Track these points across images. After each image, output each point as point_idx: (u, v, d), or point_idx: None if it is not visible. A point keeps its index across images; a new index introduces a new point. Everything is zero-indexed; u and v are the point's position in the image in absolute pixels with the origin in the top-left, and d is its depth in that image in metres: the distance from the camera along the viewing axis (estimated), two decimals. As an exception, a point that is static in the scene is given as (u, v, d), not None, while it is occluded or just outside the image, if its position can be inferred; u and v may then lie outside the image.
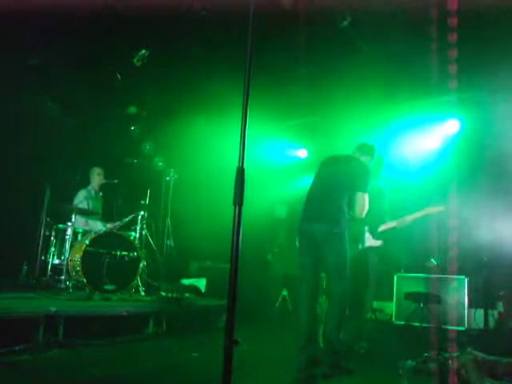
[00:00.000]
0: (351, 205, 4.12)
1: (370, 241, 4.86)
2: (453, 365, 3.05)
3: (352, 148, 4.61)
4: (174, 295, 6.05)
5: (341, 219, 4.01)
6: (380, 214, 4.99)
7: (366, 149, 4.56)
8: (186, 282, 7.31)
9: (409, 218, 4.94)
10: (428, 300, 6.26)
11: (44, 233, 6.26)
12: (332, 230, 3.95)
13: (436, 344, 3.96)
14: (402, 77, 6.30)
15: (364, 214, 4.13)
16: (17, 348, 3.82)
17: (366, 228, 4.91)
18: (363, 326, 4.93)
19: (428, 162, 7.17)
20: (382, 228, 5.00)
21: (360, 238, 4.86)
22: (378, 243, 4.90)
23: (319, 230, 3.98)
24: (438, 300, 6.24)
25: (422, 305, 6.25)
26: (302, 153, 9.28)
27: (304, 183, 9.05)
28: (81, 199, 6.69)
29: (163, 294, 6.17)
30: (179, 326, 5.34)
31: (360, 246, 4.83)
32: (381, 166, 5.09)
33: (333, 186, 4.16)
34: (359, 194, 4.11)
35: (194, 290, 6.97)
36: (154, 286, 6.60)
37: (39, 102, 7.04)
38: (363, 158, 4.44)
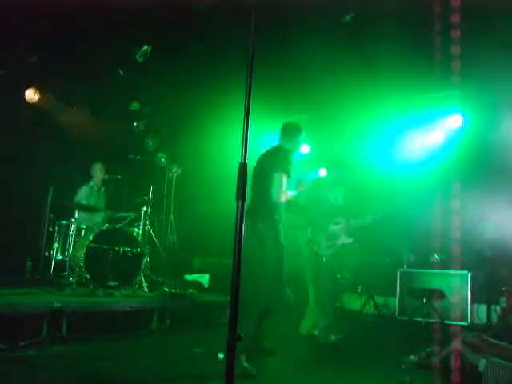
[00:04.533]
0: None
1: (343, 239, 5.23)
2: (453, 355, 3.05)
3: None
4: (178, 291, 6.06)
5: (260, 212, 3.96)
6: (329, 209, 5.28)
7: (287, 128, 4.41)
8: (189, 277, 7.32)
9: (372, 218, 5.30)
10: (431, 295, 6.26)
11: (47, 229, 6.29)
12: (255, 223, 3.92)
13: (439, 339, 3.96)
14: (405, 72, 6.27)
15: (281, 198, 3.98)
16: (21, 343, 3.84)
17: (339, 226, 5.10)
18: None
19: (431, 157, 7.15)
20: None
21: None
22: (349, 241, 5.27)
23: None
24: (441, 295, 6.24)
25: (425, 300, 6.25)
26: (305, 148, 9.25)
27: (307, 178, 9.05)
28: (82, 195, 6.72)
29: (166, 289, 6.18)
30: (182, 321, 5.36)
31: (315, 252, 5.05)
32: (345, 170, 5.40)
33: (254, 181, 4.11)
34: (275, 175, 3.95)
35: (197, 285, 6.99)
36: (157, 281, 6.62)
37: (41, 99, 7.04)
38: (287, 139, 4.33)
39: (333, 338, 4.93)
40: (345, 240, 5.25)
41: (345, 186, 5.51)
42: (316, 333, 5.06)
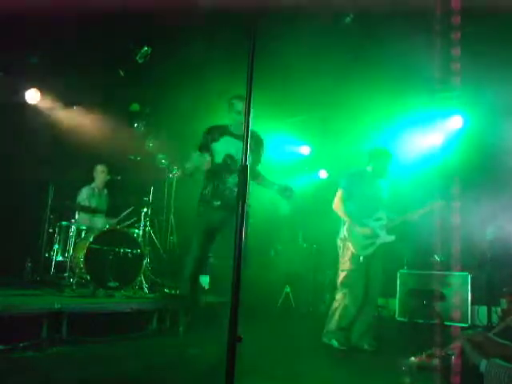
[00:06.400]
0: None
1: (383, 237, 4.85)
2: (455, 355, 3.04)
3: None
4: (178, 292, 6.05)
5: None
6: (370, 203, 4.93)
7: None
8: (189, 278, 7.30)
9: (418, 213, 4.90)
10: (431, 297, 6.25)
11: (48, 230, 6.28)
12: None
13: (439, 341, 3.95)
14: (405, 73, 6.26)
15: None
16: (21, 345, 3.83)
17: (380, 223, 4.86)
18: (371, 324, 4.92)
19: (431, 159, 7.14)
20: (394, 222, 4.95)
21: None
22: (390, 239, 4.88)
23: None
24: (441, 297, 6.23)
25: (425, 301, 6.24)
26: (305, 150, 9.26)
27: (307, 180, 9.06)
28: (84, 197, 6.70)
29: (167, 290, 6.17)
30: (182, 322, 5.34)
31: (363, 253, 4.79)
32: (388, 161, 5.02)
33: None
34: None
35: (197, 286, 6.97)
36: (157, 282, 6.61)
37: (42, 99, 7.03)
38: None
39: (334, 343, 4.69)
40: (385, 238, 4.82)
41: (387, 177, 5.07)
42: (335, 342, 4.70)
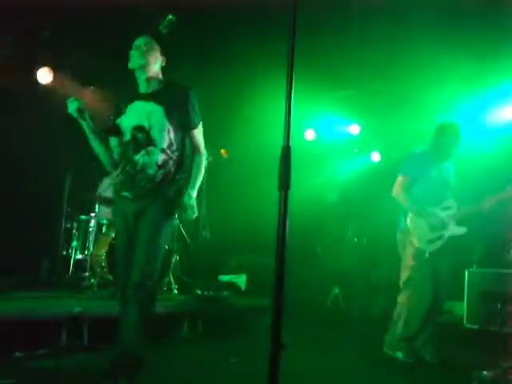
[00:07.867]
0: None
1: (452, 229, 4.71)
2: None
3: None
4: (211, 294, 6.10)
5: None
6: (436, 190, 4.77)
7: None
8: (224, 278, 7.36)
9: (492, 200, 4.65)
10: (507, 300, 6.07)
11: (65, 225, 6.40)
12: None
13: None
14: (475, 33, 6.04)
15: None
16: (38, 352, 3.93)
17: (449, 213, 4.72)
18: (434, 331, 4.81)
19: (506, 136, 6.93)
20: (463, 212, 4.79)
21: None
22: (461, 231, 4.74)
23: None
24: (521, 300, 6.06)
25: (500, 306, 6.07)
26: (354, 129, 9.13)
27: (357, 163, 8.94)
28: (106, 187, 6.80)
29: (199, 292, 6.22)
30: (217, 328, 5.38)
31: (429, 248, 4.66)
32: (456, 138, 4.84)
33: None
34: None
35: (233, 287, 7.02)
36: (188, 283, 6.67)
37: (55, 79, 7.12)
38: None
39: (399, 354, 4.53)
40: (456, 230, 4.69)
41: (454, 158, 4.90)
42: (400, 354, 4.53)
